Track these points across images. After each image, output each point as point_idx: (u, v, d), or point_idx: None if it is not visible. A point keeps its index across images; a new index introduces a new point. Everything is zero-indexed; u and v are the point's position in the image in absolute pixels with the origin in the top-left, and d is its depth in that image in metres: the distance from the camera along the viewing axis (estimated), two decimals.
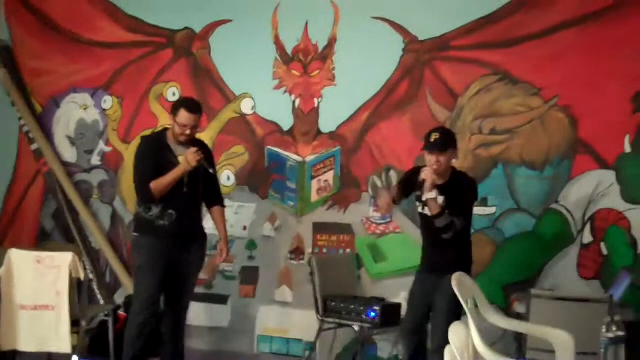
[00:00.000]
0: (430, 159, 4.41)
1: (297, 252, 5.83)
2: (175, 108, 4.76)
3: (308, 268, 5.28)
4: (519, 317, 4.61)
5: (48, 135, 6.57)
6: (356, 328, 4.96)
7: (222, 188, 5.87)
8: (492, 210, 5.31)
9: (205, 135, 6.00)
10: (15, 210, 6.69)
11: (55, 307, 4.73)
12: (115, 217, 6.38)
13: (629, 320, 3.98)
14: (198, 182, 4.79)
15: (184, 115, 4.69)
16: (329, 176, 5.79)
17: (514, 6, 5.30)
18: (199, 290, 5.78)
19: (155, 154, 4.74)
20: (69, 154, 6.55)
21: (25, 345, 4.79)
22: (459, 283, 3.76)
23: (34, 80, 6.65)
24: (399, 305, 5.03)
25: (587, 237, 5.11)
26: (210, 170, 4.79)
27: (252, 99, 6.00)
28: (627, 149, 5.04)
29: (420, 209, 4.53)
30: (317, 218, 5.81)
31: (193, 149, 4.65)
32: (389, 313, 4.91)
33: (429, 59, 5.54)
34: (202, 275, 5.83)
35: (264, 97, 5.98)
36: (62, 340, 4.71)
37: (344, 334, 5.33)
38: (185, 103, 4.83)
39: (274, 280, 5.88)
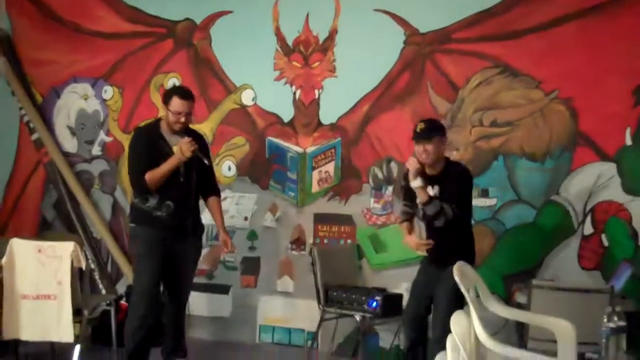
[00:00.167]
0: (418, 149, 4.51)
1: (298, 242, 5.85)
2: (167, 96, 4.74)
3: (309, 258, 5.29)
4: (520, 307, 4.63)
5: (49, 125, 6.57)
6: (357, 318, 4.98)
7: (223, 179, 5.93)
8: (493, 201, 5.34)
9: (206, 126, 6.03)
10: (17, 200, 6.70)
11: (57, 297, 4.71)
12: (116, 207, 6.39)
13: (630, 311, 3.98)
14: (193, 172, 4.77)
15: (177, 103, 4.67)
16: (330, 167, 5.80)
17: None
18: (200, 280, 5.81)
19: (149, 144, 4.71)
20: (70, 144, 6.55)
21: (27, 334, 4.77)
22: (460, 273, 3.77)
23: (35, 70, 6.65)
24: (400, 296, 5.04)
25: (588, 229, 5.14)
26: (205, 161, 4.76)
27: (253, 90, 6.01)
28: (628, 141, 5.05)
29: (417, 200, 4.57)
30: (318, 209, 5.82)
31: (187, 139, 4.62)
32: (390, 303, 4.93)
33: (429, 51, 5.55)
34: (204, 266, 5.87)
35: (264, 88, 5.98)
36: (64, 329, 4.69)
37: (346, 324, 5.36)
38: (178, 90, 4.83)
39: (275, 270, 5.90)
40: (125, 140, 6.27)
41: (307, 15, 5.86)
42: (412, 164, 4.47)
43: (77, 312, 4.76)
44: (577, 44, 5.18)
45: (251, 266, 5.95)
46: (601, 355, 3.65)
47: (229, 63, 6.10)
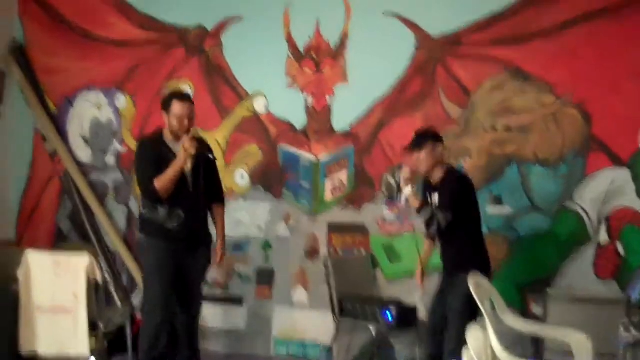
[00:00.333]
0: (412, 158, 4.59)
1: (311, 252, 5.84)
2: (166, 103, 4.71)
3: (323, 268, 5.28)
4: (536, 318, 4.61)
5: (62, 135, 6.60)
6: (372, 330, 4.96)
7: (236, 187, 5.92)
8: (507, 209, 5.31)
9: (219, 134, 6.03)
10: (32, 211, 6.73)
11: (73, 310, 4.74)
12: (130, 217, 6.39)
13: None
14: (201, 180, 4.72)
15: (177, 106, 4.64)
16: (343, 175, 5.79)
17: (525, 3, 5.29)
18: (214, 291, 5.82)
19: (154, 153, 4.66)
20: (84, 154, 6.57)
21: (44, 347, 4.82)
22: (475, 285, 3.76)
23: (48, 78, 6.68)
24: (414, 308, 5.01)
25: (604, 237, 5.10)
26: (210, 156, 4.74)
27: (265, 97, 6.00)
28: None
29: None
30: (332, 218, 5.81)
31: (186, 137, 4.57)
32: (405, 315, 4.90)
33: (441, 56, 5.53)
34: (218, 277, 5.87)
35: (276, 95, 5.98)
36: (80, 343, 4.73)
37: (361, 336, 5.31)
38: (176, 94, 4.81)
39: (289, 281, 5.89)
40: None
41: (318, 21, 5.83)
42: (404, 173, 4.57)
43: (93, 325, 4.78)
44: (588, 47, 5.14)
45: (265, 277, 5.95)
46: None
47: (241, 70, 6.09)
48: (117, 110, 6.46)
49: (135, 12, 6.38)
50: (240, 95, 6.08)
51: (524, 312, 5.00)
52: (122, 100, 6.44)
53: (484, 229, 4.72)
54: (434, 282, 4.79)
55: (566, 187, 5.19)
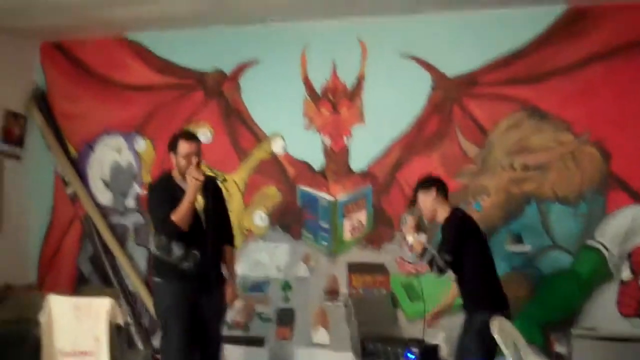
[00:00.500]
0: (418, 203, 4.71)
1: (331, 292, 5.82)
2: (172, 144, 4.73)
3: (344, 309, 5.27)
4: (560, 358, 4.57)
5: (83, 179, 6.65)
6: None
7: (255, 229, 5.93)
8: (527, 247, 5.30)
9: (237, 177, 6.07)
10: (54, 254, 6.75)
11: (95, 354, 4.75)
12: (150, 259, 6.34)
13: None
14: (214, 218, 4.73)
15: (184, 145, 4.66)
16: (362, 215, 5.81)
17: (540, 41, 5.33)
18: (235, 332, 5.80)
19: (166, 193, 4.68)
20: (104, 197, 6.61)
21: None
22: (499, 329, 3.75)
23: (68, 123, 6.74)
24: (436, 346, 4.98)
25: (626, 274, 5.08)
26: (221, 179, 4.82)
27: (283, 138, 6.04)
28: None
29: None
30: (351, 258, 5.81)
31: (191, 166, 4.59)
32: (428, 354, 4.86)
33: (457, 95, 5.57)
34: (238, 318, 5.86)
35: (294, 137, 6.02)
36: None
37: None
38: (180, 134, 4.81)
39: (310, 321, 5.87)
40: None
41: (334, 63, 5.89)
42: (409, 221, 4.69)
43: None
44: (604, 85, 5.17)
45: (286, 317, 5.94)
46: None
47: (259, 112, 6.14)
48: (136, 154, 6.51)
49: (154, 57, 6.44)
50: (259, 137, 6.13)
51: (547, 352, 4.96)
52: (141, 144, 6.49)
53: (506, 268, 4.70)
54: (459, 321, 4.75)
55: (587, 224, 5.18)
